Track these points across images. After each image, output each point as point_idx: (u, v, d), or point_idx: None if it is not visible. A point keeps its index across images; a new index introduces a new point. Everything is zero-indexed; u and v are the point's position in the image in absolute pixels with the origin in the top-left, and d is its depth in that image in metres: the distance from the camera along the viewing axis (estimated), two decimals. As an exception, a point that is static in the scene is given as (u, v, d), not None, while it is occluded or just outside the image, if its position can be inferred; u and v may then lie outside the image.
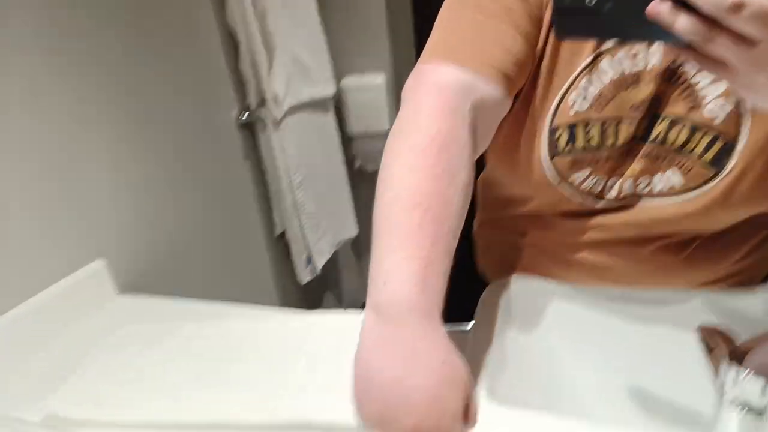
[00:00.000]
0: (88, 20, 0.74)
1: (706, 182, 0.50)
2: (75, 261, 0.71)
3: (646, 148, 0.51)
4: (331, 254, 1.29)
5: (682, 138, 0.49)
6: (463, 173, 0.43)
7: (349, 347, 0.56)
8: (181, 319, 0.64)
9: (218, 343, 0.59)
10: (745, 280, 0.60)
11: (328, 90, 1.20)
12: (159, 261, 0.87)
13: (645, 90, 0.49)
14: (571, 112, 0.51)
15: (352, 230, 1.36)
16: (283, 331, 0.59)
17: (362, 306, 0.41)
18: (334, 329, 0.58)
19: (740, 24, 0.28)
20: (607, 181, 0.54)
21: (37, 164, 0.66)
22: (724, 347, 0.47)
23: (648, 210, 0.54)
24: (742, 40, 0.29)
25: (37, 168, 0.66)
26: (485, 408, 0.42)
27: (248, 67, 1.04)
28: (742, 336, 0.48)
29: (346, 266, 1.58)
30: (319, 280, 1.31)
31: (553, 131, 0.52)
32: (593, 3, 0.32)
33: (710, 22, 0.29)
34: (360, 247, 1.57)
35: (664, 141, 0.50)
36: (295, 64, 1.08)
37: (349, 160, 1.38)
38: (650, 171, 0.52)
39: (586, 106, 0.51)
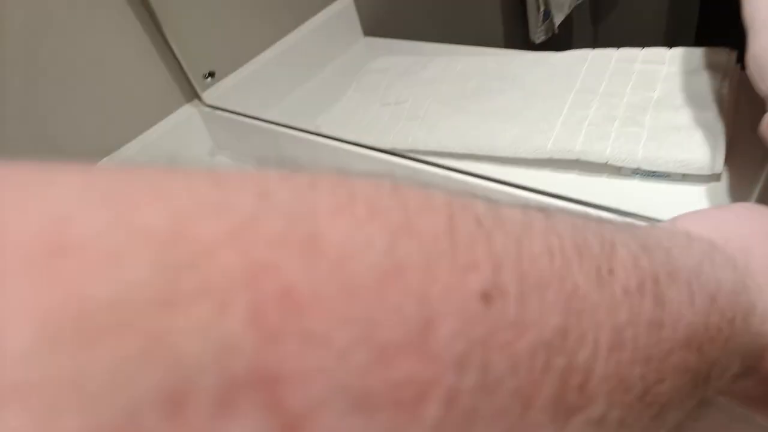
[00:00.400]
0: None
1: None
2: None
3: None
4: (570, 11, 1.12)
5: None
6: None
7: (638, 81, 0.48)
8: (431, 55, 0.62)
9: (474, 75, 0.56)
10: None
11: None
12: (397, 8, 0.84)
13: None
14: None
15: (598, -19, 1.15)
16: (545, 67, 0.53)
17: None
18: (607, 66, 0.50)
19: None
20: None
21: None
22: None
23: None
24: None
25: None
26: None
27: None
28: None
29: (581, 30, 1.39)
30: (550, 42, 1.17)
31: None
32: None
33: None
34: (598, 7, 1.34)
35: None
36: None
37: None
38: None
39: None
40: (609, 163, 0.42)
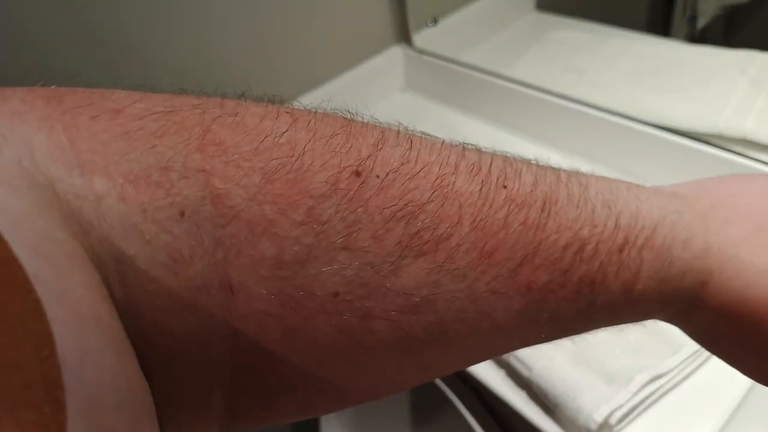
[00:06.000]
0: None
1: None
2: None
3: None
4: (710, 19, 1.16)
5: None
6: None
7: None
8: (605, 35, 0.71)
9: (650, 56, 0.65)
10: None
11: None
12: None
13: None
14: None
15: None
16: (717, 59, 0.62)
17: None
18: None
19: None
20: None
21: None
22: None
23: None
24: None
25: None
26: None
27: None
28: None
29: (713, 39, 1.41)
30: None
31: None
32: None
33: None
34: (731, 23, 1.36)
35: None
36: None
37: None
38: None
39: None
40: (771, 144, 0.51)
